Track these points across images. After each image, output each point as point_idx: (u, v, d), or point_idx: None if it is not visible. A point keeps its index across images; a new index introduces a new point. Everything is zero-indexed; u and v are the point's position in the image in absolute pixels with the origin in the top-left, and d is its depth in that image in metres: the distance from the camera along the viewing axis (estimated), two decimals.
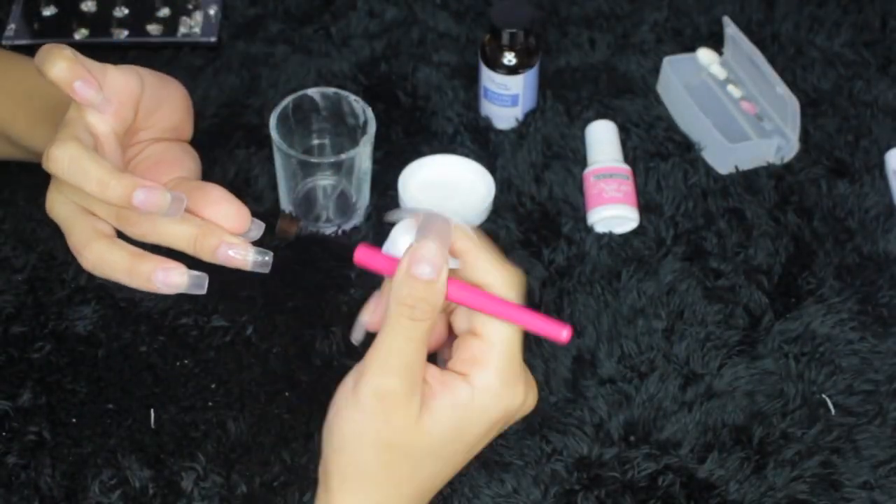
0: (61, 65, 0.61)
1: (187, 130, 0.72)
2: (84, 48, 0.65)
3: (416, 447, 0.57)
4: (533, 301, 0.81)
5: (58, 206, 0.64)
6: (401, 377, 0.56)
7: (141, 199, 0.59)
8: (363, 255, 0.58)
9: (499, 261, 0.58)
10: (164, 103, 0.69)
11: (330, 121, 0.84)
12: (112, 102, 0.64)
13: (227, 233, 0.62)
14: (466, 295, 0.56)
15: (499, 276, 0.58)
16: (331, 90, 0.82)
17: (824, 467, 0.73)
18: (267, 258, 0.62)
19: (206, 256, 0.62)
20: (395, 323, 0.56)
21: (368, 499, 0.58)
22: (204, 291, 0.63)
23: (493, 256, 0.58)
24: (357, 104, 0.81)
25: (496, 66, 0.89)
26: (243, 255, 0.62)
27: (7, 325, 0.78)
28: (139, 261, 0.61)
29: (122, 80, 0.65)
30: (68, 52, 0.62)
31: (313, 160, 0.81)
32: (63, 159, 0.60)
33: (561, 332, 0.56)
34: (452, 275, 0.57)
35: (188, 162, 0.70)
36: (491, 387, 0.57)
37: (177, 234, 0.62)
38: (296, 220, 0.75)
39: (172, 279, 0.61)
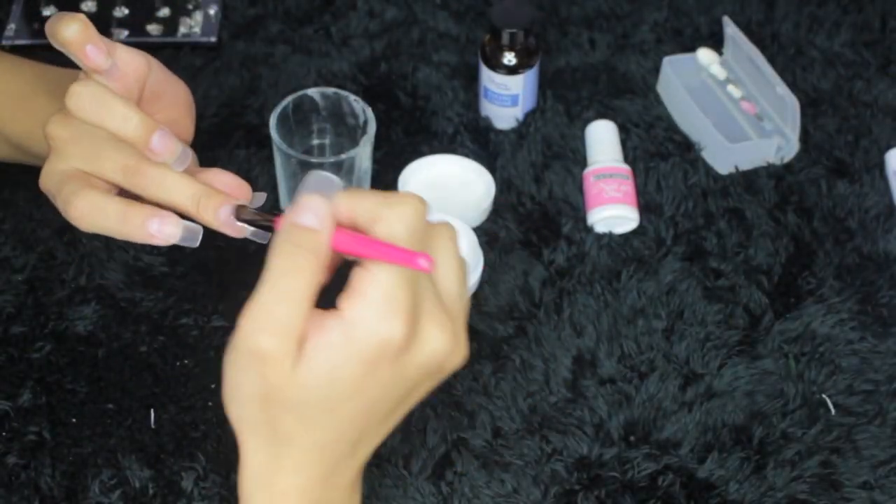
0: (74, 27, 0.62)
1: (188, 129, 0.72)
2: None
3: (295, 400, 0.53)
4: (533, 300, 0.81)
5: (53, 175, 0.63)
6: (275, 335, 0.52)
7: (156, 142, 0.60)
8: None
9: (385, 197, 0.54)
10: (168, 94, 0.70)
11: (330, 121, 0.84)
12: (119, 73, 0.65)
13: (231, 196, 0.62)
14: (349, 241, 0.54)
15: (386, 211, 0.54)
16: (331, 90, 0.82)
17: (824, 467, 0.73)
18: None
19: (208, 216, 0.62)
20: (271, 275, 0.53)
21: (260, 452, 0.55)
22: (197, 244, 0.62)
23: (378, 196, 0.55)
24: (357, 104, 0.81)
25: (496, 66, 0.89)
26: (173, 226, 0.62)
27: (7, 325, 0.78)
28: (132, 208, 0.61)
29: (130, 58, 0.66)
30: (81, 16, 0.63)
31: (313, 160, 0.81)
32: (85, 94, 0.61)
33: (418, 260, 0.52)
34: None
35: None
36: (360, 318, 0.52)
37: (181, 191, 0.62)
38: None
39: (167, 228, 0.61)
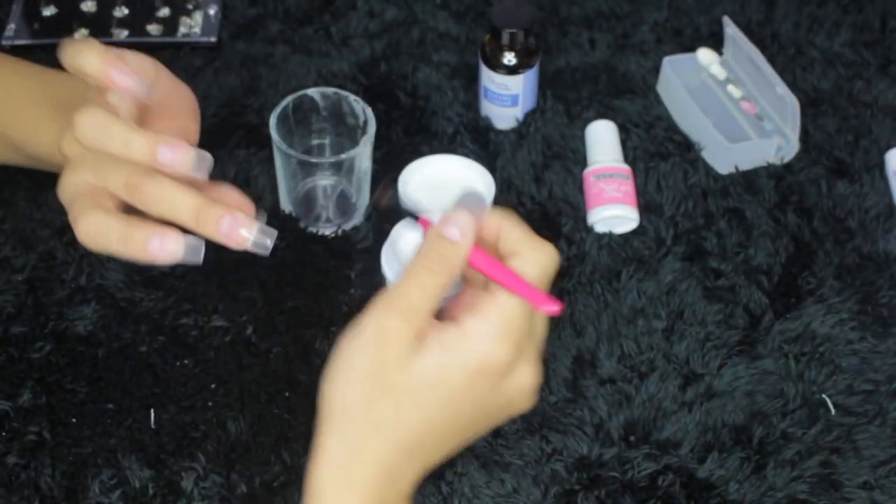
0: (92, 58, 0.63)
1: (194, 134, 0.72)
2: None
3: (401, 386, 0.57)
4: None
5: (68, 188, 0.64)
6: (404, 318, 0.57)
7: (164, 156, 0.61)
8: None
9: (529, 236, 0.61)
10: (175, 100, 0.70)
11: (330, 121, 0.84)
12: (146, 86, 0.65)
13: (232, 207, 0.63)
14: (483, 260, 0.60)
15: (527, 249, 0.60)
16: (330, 90, 0.82)
17: (824, 467, 0.73)
18: (269, 241, 0.62)
19: (209, 228, 0.61)
20: (411, 272, 0.59)
21: (348, 437, 0.58)
22: (200, 260, 0.62)
23: (525, 231, 0.61)
24: (357, 104, 0.81)
25: (496, 66, 0.89)
26: (247, 228, 0.61)
27: (7, 325, 0.78)
28: (134, 228, 0.61)
29: (138, 63, 0.67)
30: (94, 43, 0.64)
31: (313, 160, 0.81)
32: (87, 124, 0.61)
33: (549, 305, 0.59)
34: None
35: None
36: (475, 333, 0.58)
37: (180, 205, 0.62)
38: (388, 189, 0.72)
39: (168, 245, 0.61)
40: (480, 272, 0.61)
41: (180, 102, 0.71)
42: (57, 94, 0.73)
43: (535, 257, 0.60)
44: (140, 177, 0.62)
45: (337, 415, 0.58)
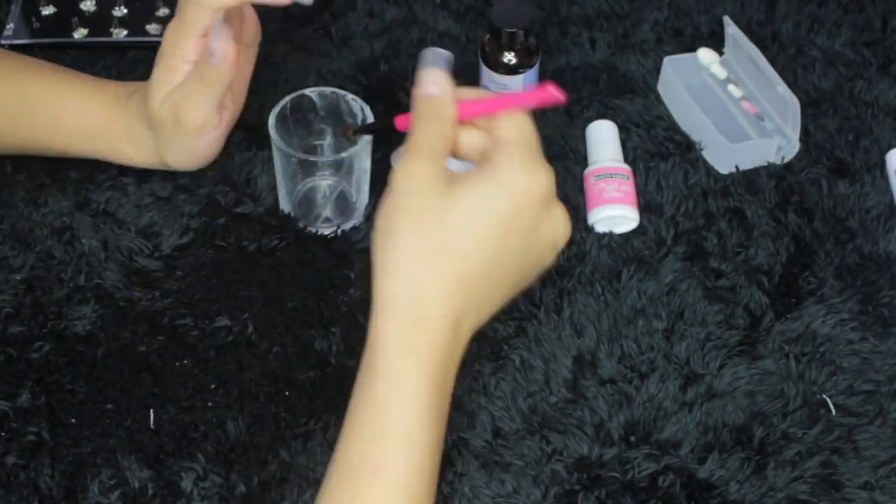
0: None
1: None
2: (83, 48, 0.65)
3: (447, 212, 0.60)
4: (533, 300, 0.81)
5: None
6: (426, 158, 0.61)
7: None
8: (404, 121, 0.68)
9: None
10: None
11: (328, 120, 0.83)
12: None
13: None
14: (474, 105, 0.65)
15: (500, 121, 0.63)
16: (328, 90, 0.82)
17: (825, 468, 0.73)
18: None
19: None
20: (415, 130, 0.63)
21: (407, 280, 0.60)
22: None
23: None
24: (355, 103, 0.81)
25: (496, 66, 0.89)
26: None
27: (6, 325, 0.78)
28: None
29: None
30: None
31: (313, 160, 0.80)
32: None
33: (552, 92, 0.62)
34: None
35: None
36: (513, 162, 0.61)
37: None
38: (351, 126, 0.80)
39: None
40: (477, 116, 0.65)
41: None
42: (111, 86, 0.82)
43: (508, 123, 0.63)
44: None
45: (388, 257, 0.60)
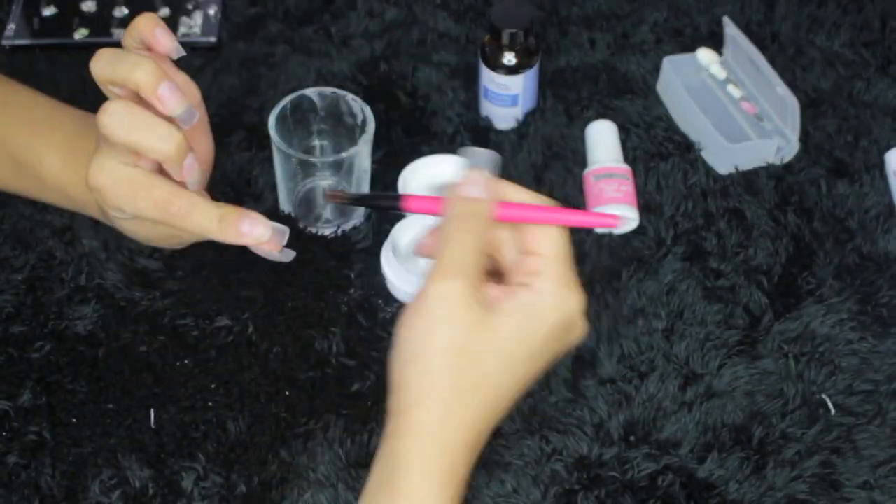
0: (148, 68, 0.61)
1: (204, 182, 0.73)
2: (84, 48, 0.65)
3: (484, 346, 0.57)
4: None
5: (105, 171, 0.64)
6: (462, 278, 0.57)
7: (189, 163, 0.63)
8: (412, 202, 0.63)
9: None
10: (204, 140, 0.71)
11: (328, 121, 0.84)
12: (194, 115, 0.65)
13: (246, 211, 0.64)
14: (516, 211, 0.61)
15: (538, 230, 0.61)
16: (328, 90, 0.82)
17: (824, 467, 0.73)
18: (286, 233, 0.65)
19: (232, 233, 0.64)
20: (450, 236, 0.59)
21: (437, 409, 0.58)
22: (283, 243, 0.66)
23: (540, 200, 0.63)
24: (355, 103, 0.81)
25: (496, 66, 0.89)
26: (263, 226, 0.64)
27: (7, 325, 0.78)
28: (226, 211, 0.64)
29: (191, 82, 0.67)
30: (149, 61, 0.62)
31: (313, 160, 0.81)
32: (118, 111, 0.61)
33: (613, 221, 0.61)
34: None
35: None
36: (552, 290, 0.59)
37: (207, 214, 0.64)
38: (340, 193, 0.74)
39: (257, 228, 0.64)
40: (515, 221, 0.62)
41: (202, 143, 0.71)
42: (70, 124, 0.75)
43: (548, 238, 0.61)
44: (167, 194, 0.63)
45: (422, 387, 0.58)
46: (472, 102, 0.94)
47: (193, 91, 0.68)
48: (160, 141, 0.62)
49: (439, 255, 0.59)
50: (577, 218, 0.61)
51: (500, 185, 0.62)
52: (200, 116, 0.69)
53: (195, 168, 0.64)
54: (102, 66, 0.62)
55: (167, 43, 0.64)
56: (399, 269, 0.79)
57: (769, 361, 0.78)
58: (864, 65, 0.99)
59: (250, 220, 0.64)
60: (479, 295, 0.58)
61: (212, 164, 0.73)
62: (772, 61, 0.93)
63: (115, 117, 0.61)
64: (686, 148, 0.91)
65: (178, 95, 0.62)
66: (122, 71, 0.62)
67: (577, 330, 0.61)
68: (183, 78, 0.67)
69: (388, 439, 0.59)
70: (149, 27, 0.64)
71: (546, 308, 0.59)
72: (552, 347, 0.60)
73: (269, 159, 0.84)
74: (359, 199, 0.74)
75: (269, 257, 0.66)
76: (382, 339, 0.78)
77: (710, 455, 0.73)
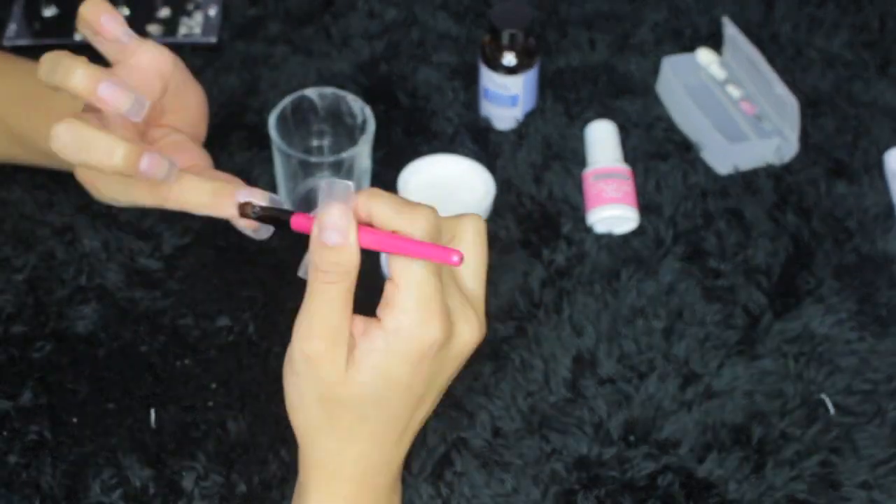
0: (78, 73, 0.59)
1: (201, 133, 0.72)
2: (84, 48, 0.65)
3: (351, 398, 0.59)
4: (532, 301, 0.81)
5: (92, 170, 0.63)
6: (323, 338, 0.58)
7: (146, 166, 0.60)
8: (299, 222, 0.61)
9: (401, 205, 0.58)
10: (191, 94, 0.70)
11: (329, 121, 0.84)
12: (144, 104, 0.62)
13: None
14: (373, 238, 0.58)
15: (405, 220, 0.58)
16: (329, 90, 0.82)
17: (823, 467, 0.73)
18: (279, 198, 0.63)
19: (226, 206, 0.62)
20: (313, 289, 0.58)
21: (324, 448, 0.61)
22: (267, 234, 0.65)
23: (395, 203, 0.58)
24: (355, 104, 0.81)
25: (496, 66, 0.89)
26: (260, 194, 0.62)
27: (7, 325, 0.78)
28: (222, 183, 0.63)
29: (157, 52, 0.65)
30: (80, 61, 0.60)
31: (313, 160, 0.81)
32: (61, 134, 0.59)
33: (451, 257, 0.56)
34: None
35: (205, 160, 0.70)
36: (401, 328, 0.57)
37: (197, 189, 0.62)
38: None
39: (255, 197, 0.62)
40: (374, 250, 0.59)
41: (196, 96, 0.70)
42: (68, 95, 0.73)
43: (414, 220, 0.58)
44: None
45: (306, 432, 0.61)
46: (472, 102, 0.94)
47: (159, 59, 0.65)
48: (105, 157, 0.59)
49: (303, 309, 0.59)
50: (417, 249, 0.57)
51: (367, 203, 0.58)
52: (176, 77, 0.67)
53: (159, 164, 0.60)
54: (43, 73, 0.61)
55: (113, 29, 0.62)
56: None
57: (768, 361, 0.79)
58: (864, 65, 0.99)
59: (247, 190, 0.62)
60: (340, 351, 0.58)
61: (206, 115, 0.71)
62: (771, 61, 0.93)
63: (61, 141, 0.59)
64: (685, 148, 0.91)
65: (120, 91, 0.60)
66: (57, 78, 0.60)
67: (459, 343, 0.60)
68: (140, 58, 0.64)
69: (299, 469, 0.63)
70: (94, 14, 0.62)
71: (397, 349, 0.58)
72: (427, 370, 0.59)
73: (269, 159, 0.84)
74: (264, 213, 0.65)
75: (246, 233, 0.65)
76: None
77: (710, 455, 0.73)
